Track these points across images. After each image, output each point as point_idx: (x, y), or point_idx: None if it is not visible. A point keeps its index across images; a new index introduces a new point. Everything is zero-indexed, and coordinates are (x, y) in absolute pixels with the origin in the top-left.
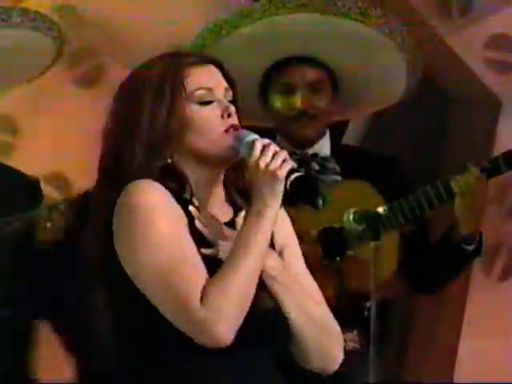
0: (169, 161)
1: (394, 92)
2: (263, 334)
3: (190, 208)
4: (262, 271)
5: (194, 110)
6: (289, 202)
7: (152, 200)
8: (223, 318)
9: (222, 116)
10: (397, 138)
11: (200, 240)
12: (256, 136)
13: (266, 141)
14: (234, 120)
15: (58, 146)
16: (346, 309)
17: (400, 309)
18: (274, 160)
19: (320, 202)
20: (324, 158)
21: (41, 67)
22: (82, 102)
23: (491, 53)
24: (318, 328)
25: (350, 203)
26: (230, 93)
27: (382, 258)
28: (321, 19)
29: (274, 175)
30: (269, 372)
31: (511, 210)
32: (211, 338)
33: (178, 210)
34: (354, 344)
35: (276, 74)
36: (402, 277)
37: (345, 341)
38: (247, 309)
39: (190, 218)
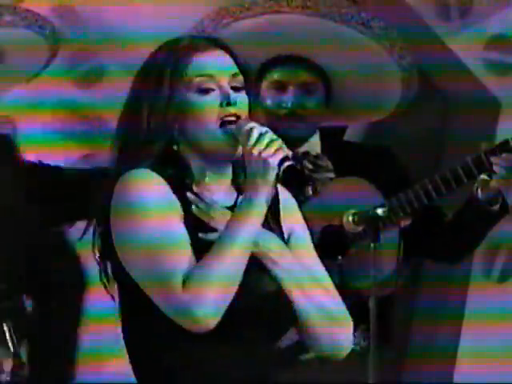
0: (174, 147)
1: (387, 104)
2: (263, 317)
3: (188, 194)
4: (262, 254)
5: (193, 98)
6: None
7: (143, 191)
8: (204, 302)
9: (222, 105)
10: (397, 139)
11: (198, 225)
12: (254, 124)
13: (264, 129)
14: (236, 109)
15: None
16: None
17: (400, 308)
18: (267, 148)
19: (309, 190)
20: (316, 156)
21: (35, 67)
22: (82, 102)
23: (491, 54)
24: (326, 315)
25: (348, 202)
26: (240, 78)
27: (381, 257)
28: (321, 23)
29: (265, 162)
30: (266, 356)
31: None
32: (192, 322)
33: (171, 199)
34: (354, 345)
35: (270, 71)
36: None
37: None
38: (232, 294)
39: (189, 204)
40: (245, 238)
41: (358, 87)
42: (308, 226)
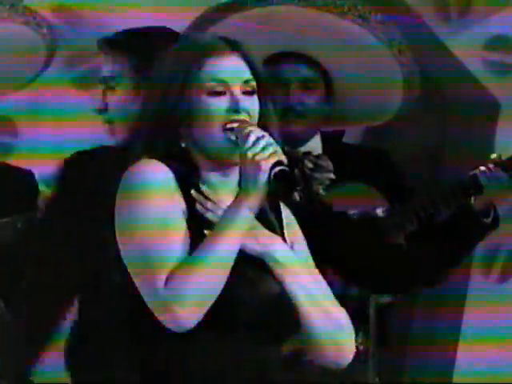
0: (183, 145)
1: (388, 106)
2: (264, 319)
3: (192, 192)
4: (265, 255)
5: (202, 100)
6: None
7: (147, 181)
8: (183, 301)
9: (229, 111)
10: (396, 139)
11: (202, 223)
12: (254, 128)
13: (261, 133)
14: (244, 115)
15: (59, 149)
16: (347, 311)
17: (400, 309)
18: (262, 151)
19: (296, 196)
20: (317, 156)
21: (32, 68)
22: (82, 102)
23: (490, 54)
24: (331, 321)
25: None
26: (252, 84)
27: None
28: (317, 14)
29: (258, 166)
30: (265, 358)
31: (510, 209)
32: (171, 320)
33: (174, 193)
34: (356, 344)
35: (270, 67)
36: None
37: None
38: (215, 295)
39: (193, 202)
40: (231, 239)
41: (358, 84)
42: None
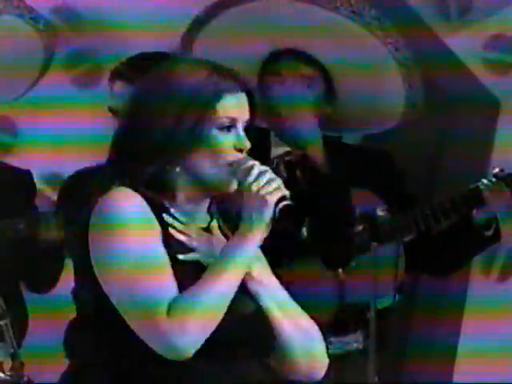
0: (177, 170)
1: (391, 107)
2: (242, 337)
3: (165, 215)
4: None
5: (212, 133)
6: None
7: (124, 208)
8: (187, 332)
9: (235, 148)
10: (396, 139)
11: (177, 246)
12: (255, 162)
13: (263, 168)
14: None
15: (58, 146)
16: (347, 313)
17: (400, 309)
18: (266, 185)
19: (304, 232)
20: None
21: (33, 65)
22: (82, 102)
23: (490, 53)
24: (306, 335)
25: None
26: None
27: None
28: (310, 10)
29: (263, 200)
30: (244, 374)
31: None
32: (172, 351)
33: (151, 220)
34: (356, 345)
35: (268, 65)
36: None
37: (348, 342)
38: (214, 326)
39: (165, 226)
40: (233, 273)
41: (357, 83)
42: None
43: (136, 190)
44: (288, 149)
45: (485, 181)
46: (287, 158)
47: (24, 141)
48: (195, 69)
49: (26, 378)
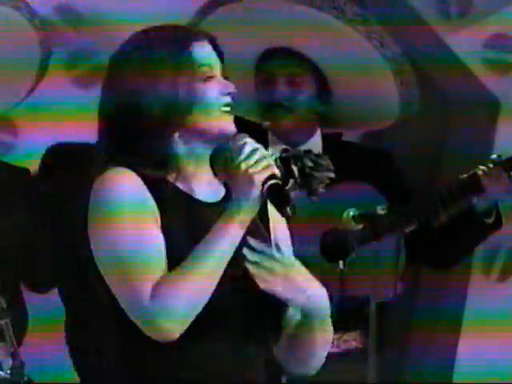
0: (176, 135)
1: (384, 104)
2: (246, 321)
3: (167, 189)
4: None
5: (198, 87)
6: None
7: (119, 195)
8: (170, 315)
9: (222, 93)
10: (396, 139)
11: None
12: (248, 140)
13: (256, 145)
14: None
15: None
16: (347, 311)
17: (400, 309)
18: (255, 164)
19: (288, 210)
20: (317, 155)
21: (31, 64)
22: (82, 102)
23: (490, 53)
24: (325, 313)
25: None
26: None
27: (382, 260)
28: (294, 8)
29: (250, 179)
30: (251, 359)
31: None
32: (156, 333)
33: (145, 207)
34: (356, 343)
35: (259, 65)
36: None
37: (348, 340)
38: (200, 308)
39: (167, 197)
40: (219, 254)
41: (347, 80)
42: (309, 230)
43: (135, 170)
44: (285, 146)
45: (482, 167)
46: (284, 155)
47: (24, 140)
48: (158, 30)
49: (26, 378)
